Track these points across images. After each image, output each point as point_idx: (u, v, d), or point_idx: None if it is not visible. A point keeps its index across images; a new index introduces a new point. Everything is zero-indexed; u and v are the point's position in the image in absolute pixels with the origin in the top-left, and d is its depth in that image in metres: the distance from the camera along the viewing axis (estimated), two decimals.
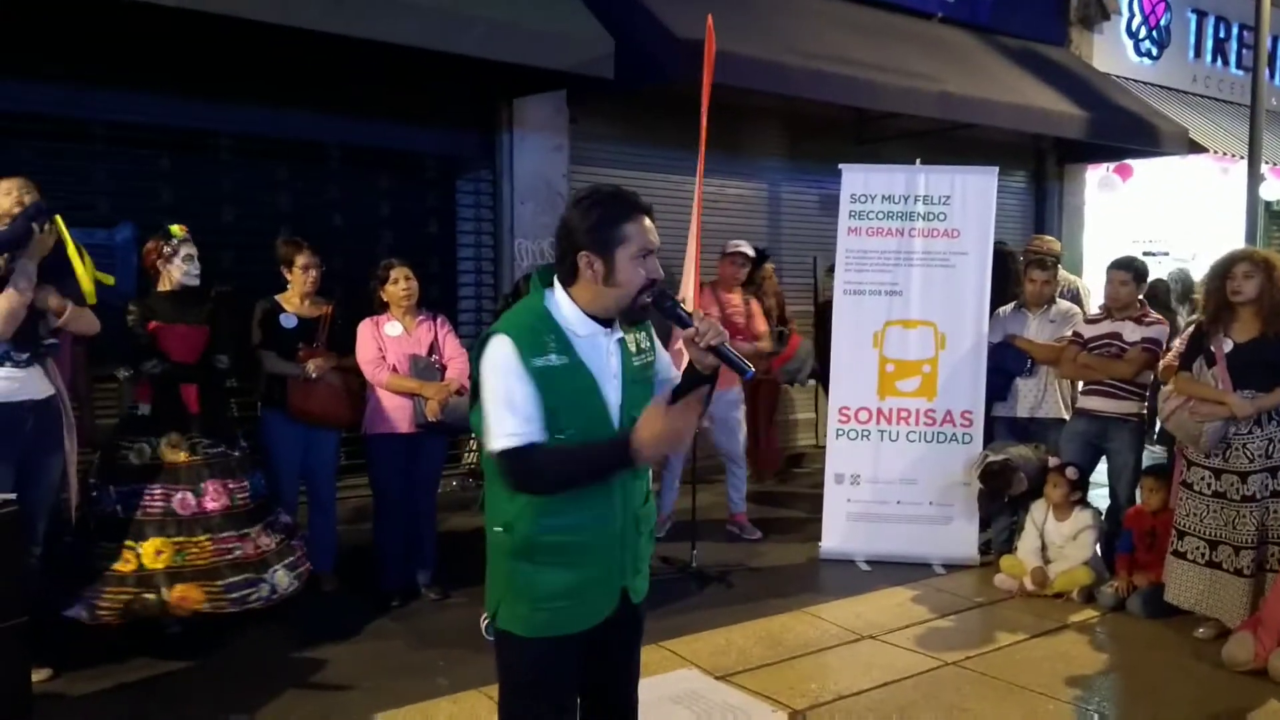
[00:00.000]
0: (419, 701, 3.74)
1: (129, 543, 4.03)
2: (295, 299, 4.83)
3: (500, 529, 2.22)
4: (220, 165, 5.99)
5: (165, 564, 4.01)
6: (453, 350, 4.89)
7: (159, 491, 4.13)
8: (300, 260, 4.78)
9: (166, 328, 4.30)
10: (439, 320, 4.96)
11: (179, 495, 4.15)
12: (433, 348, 4.84)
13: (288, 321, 4.78)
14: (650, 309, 2.23)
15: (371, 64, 5.74)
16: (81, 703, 3.72)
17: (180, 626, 4.15)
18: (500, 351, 2.13)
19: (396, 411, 4.70)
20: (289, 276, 4.82)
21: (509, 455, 2.12)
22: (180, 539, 4.08)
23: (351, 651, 4.25)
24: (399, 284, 4.79)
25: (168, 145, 5.78)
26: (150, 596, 3.96)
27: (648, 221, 2.20)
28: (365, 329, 4.78)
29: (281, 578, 4.27)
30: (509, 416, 2.11)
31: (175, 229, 4.38)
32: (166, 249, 4.34)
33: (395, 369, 4.71)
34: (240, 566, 4.16)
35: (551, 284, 2.24)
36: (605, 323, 2.22)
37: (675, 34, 6.21)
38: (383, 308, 4.86)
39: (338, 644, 4.30)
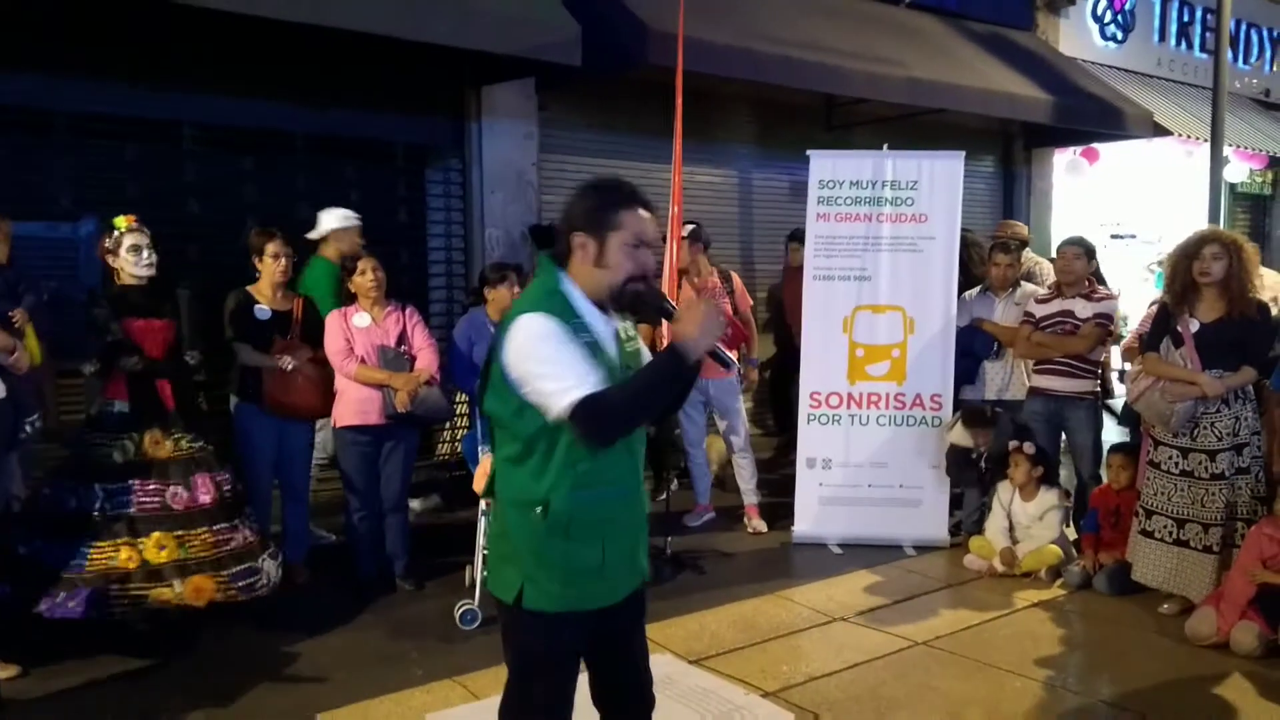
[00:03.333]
0: (393, 691, 3.74)
1: (127, 540, 4.00)
2: (267, 290, 4.80)
3: (537, 507, 2.21)
4: (185, 156, 5.92)
5: (170, 558, 4.01)
6: (422, 341, 4.87)
7: (152, 487, 4.11)
8: (271, 249, 4.73)
9: (134, 323, 4.24)
10: (408, 311, 4.94)
11: (171, 490, 4.14)
12: (401, 338, 4.83)
13: (261, 314, 4.75)
14: (637, 299, 2.29)
15: (338, 52, 5.70)
16: (51, 700, 3.70)
17: (147, 624, 4.11)
18: (547, 325, 2.16)
19: (366, 403, 4.68)
20: (259, 266, 4.78)
21: (586, 403, 2.10)
22: (180, 533, 4.08)
23: (325, 643, 4.25)
24: (366, 275, 4.76)
25: (131, 136, 5.70)
26: (165, 590, 3.96)
27: (644, 213, 2.28)
28: (333, 320, 4.76)
29: (270, 567, 4.31)
30: (573, 372, 2.13)
31: (119, 220, 4.28)
32: (109, 242, 4.25)
33: (364, 360, 4.70)
34: (240, 556, 4.21)
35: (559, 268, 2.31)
36: (602, 309, 2.29)
37: (643, 21, 6.21)
38: (350, 299, 4.83)
39: (311, 636, 4.30)
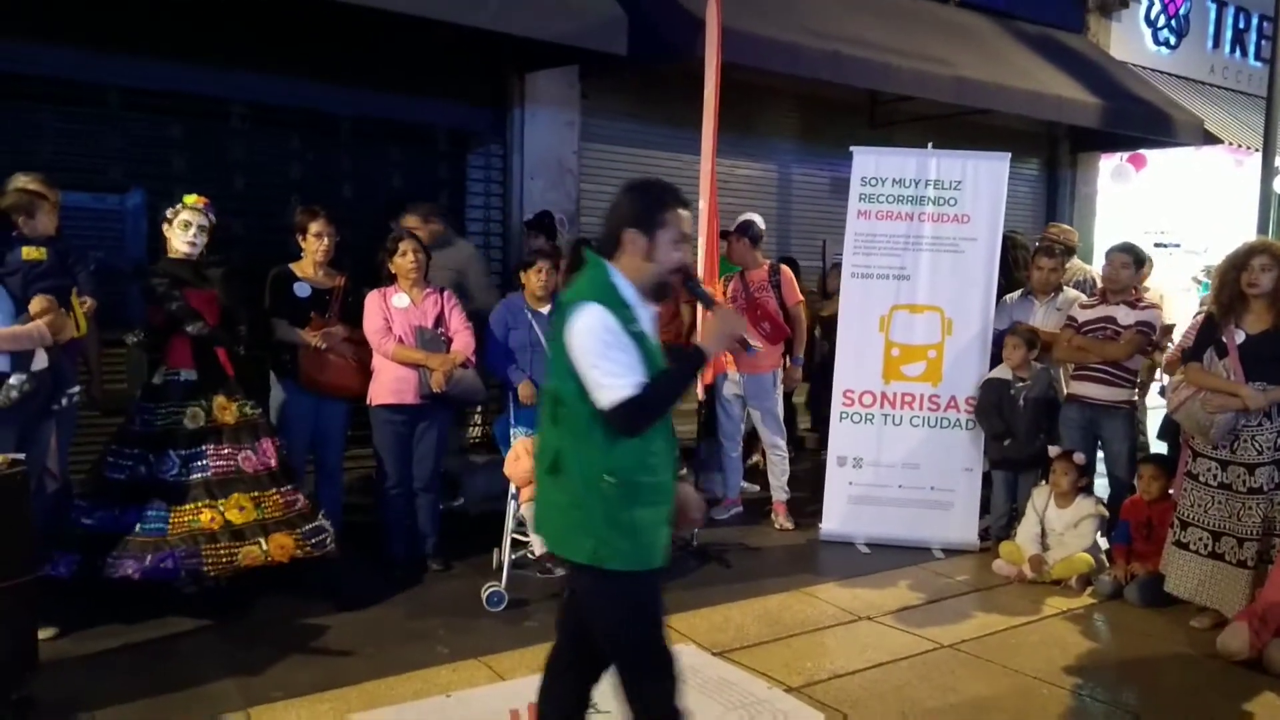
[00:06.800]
0: (419, 669, 3.78)
1: (207, 502, 4.15)
2: (309, 268, 4.85)
3: (610, 477, 2.42)
4: (232, 134, 5.99)
5: (249, 519, 4.19)
6: (458, 323, 4.91)
7: (226, 451, 4.28)
8: (314, 228, 4.79)
9: (189, 292, 4.35)
10: (445, 293, 4.97)
11: (242, 453, 4.30)
12: (439, 320, 4.86)
13: (301, 290, 4.80)
14: (678, 288, 2.60)
15: (385, 35, 5.74)
16: (86, 661, 3.79)
17: (197, 587, 4.25)
18: (601, 317, 2.38)
19: (401, 383, 4.73)
20: (303, 244, 4.83)
21: (626, 405, 2.36)
22: (256, 494, 4.26)
23: (354, 619, 4.31)
24: (407, 256, 4.81)
25: (181, 112, 5.78)
26: (254, 549, 4.12)
27: (684, 213, 2.54)
28: (373, 300, 4.81)
29: (329, 526, 4.47)
30: (621, 368, 2.37)
31: (189, 197, 4.44)
32: (169, 212, 4.42)
33: (401, 340, 4.74)
34: (306, 516, 4.38)
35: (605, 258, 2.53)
36: (642, 297, 2.54)
37: (689, 11, 6.19)
38: (391, 279, 4.88)
39: (341, 611, 4.36)
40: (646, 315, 2.54)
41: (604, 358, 2.37)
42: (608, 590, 2.51)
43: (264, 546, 4.16)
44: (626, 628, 2.54)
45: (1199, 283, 10.24)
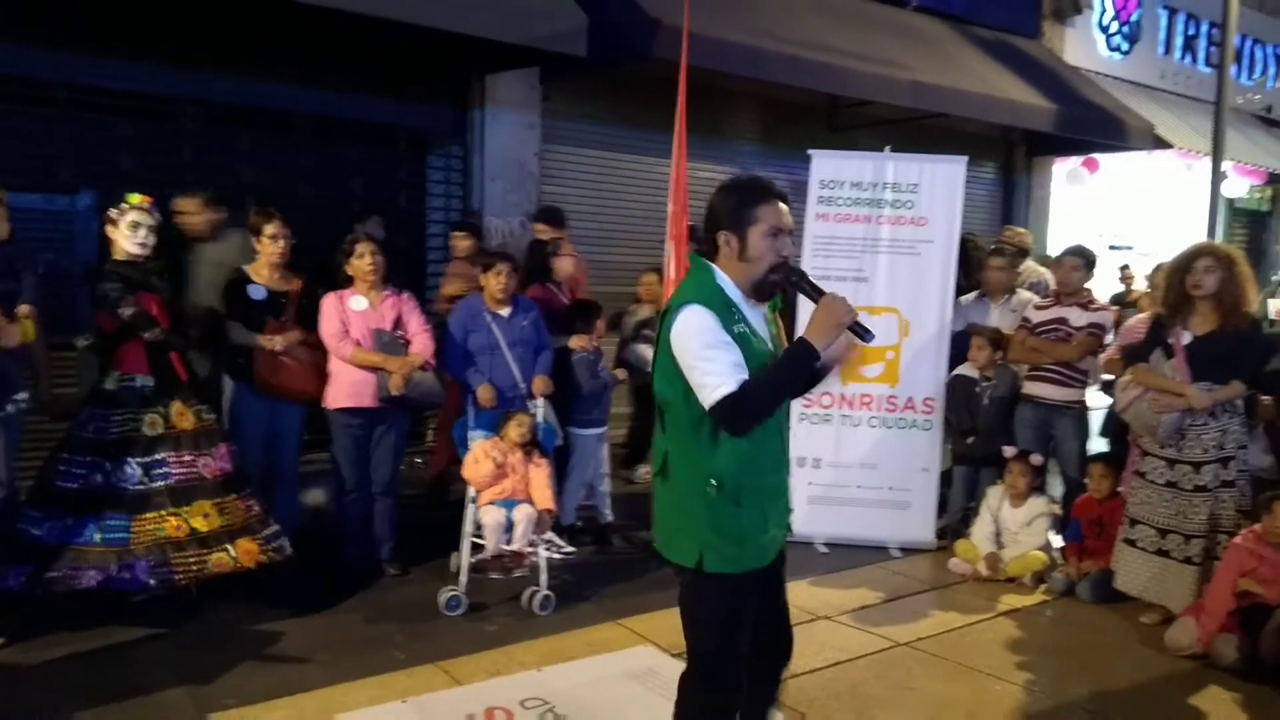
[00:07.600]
0: (375, 675, 3.75)
1: (171, 510, 4.10)
2: (264, 270, 4.79)
3: (713, 481, 2.46)
4: (186, 133, 5.91)
5: (214, 526, 4.15)
6: (417, 326, 4.87)
7: (187, 458, 4.22)
8: (269, 230, 4.72)
9: (144, 296, 4.28)
10: (404, 296, 4.94)
11: (202, 460, 4.26)
12: (397, 323, 4.83)
13: (256, 293, 4.74)
14: (780, 284, 2.53)
15: (343, 34, 5.69)
16: (34, 671, 3.71)
17: (146, 595, 4.16)
18: (703, 318, 2.40)
19: (359, 386, 4.68)
20: (258, 246, 4.77)
21: (733, 398, 2.35)
22: (218, 500, 4.22)
23: (309, 624, 4.26)
24: (364, 259, 4.76)
25: (133, 111, 5.69)
26: (222, 555, 4.11)
27: (780, 205, 2.51)
28: (329, 303, 4.76)
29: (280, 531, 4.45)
30: (722, 367, 2.37)
31: (132, 197, 4.33)
32: (114, 213, 4.30)
33: (359, 343, 4.70)
34: (264, 521, 4.37)
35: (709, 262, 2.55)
36: (749, 297, 2.54)
37: (649, 14, 6.20)
38: (348, 282, 4.83)
39: (296, 617, 4.30)
40: (757, 316, 2.53)
41: (703, 358, 2.37)
42: (701, 588, 2.54)
43: (232, 553, 4.14)
44: (704, 627, 2.57)
45: (1131, 279, 10.43)
